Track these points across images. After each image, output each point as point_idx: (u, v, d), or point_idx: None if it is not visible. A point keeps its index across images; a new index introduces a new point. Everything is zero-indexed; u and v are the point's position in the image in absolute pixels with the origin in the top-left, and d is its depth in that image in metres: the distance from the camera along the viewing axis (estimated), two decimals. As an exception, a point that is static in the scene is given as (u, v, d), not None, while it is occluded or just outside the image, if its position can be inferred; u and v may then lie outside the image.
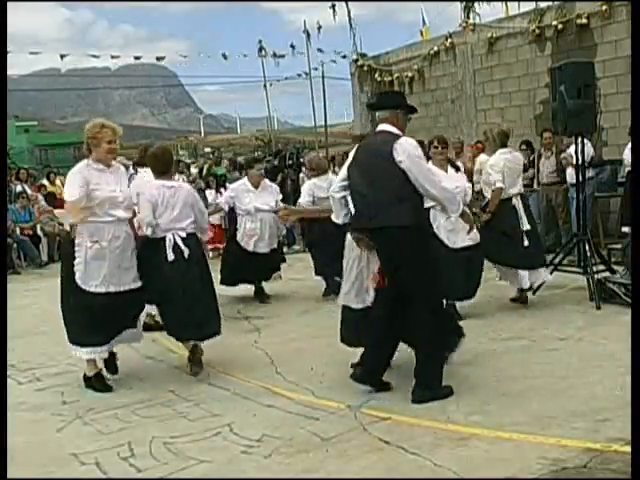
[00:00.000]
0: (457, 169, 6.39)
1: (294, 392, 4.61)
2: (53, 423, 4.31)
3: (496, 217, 6.60)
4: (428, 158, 5.79)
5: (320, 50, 23.83)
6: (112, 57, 20.95)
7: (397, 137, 4.30)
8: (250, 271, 7.71)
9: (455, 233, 6.08)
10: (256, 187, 7.80)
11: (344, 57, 19.75)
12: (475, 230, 5.69)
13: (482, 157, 9.18)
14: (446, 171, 6.17)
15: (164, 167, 5.28)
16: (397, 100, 4.58)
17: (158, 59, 22.73)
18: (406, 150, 4.20)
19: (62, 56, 19.94)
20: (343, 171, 4.67)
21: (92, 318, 4.81)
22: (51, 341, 6.42)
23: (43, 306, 7.69)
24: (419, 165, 4.24)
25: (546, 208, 10.08)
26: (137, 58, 21.69)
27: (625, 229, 7.69)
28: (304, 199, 7.71)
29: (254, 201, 7.73)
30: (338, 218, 4.70)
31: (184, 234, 5.08)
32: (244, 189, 7.81)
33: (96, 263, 4.80)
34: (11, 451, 3.55)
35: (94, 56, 23.46)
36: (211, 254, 12.01)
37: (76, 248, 4.83)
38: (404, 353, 5.41)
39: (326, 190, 6.45)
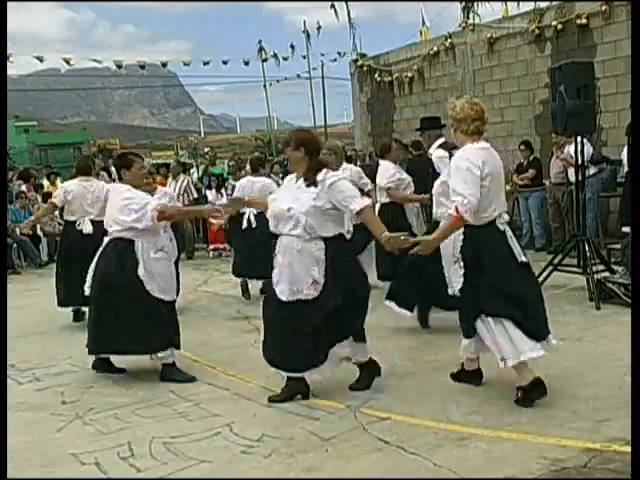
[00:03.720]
0: None
1: (294, 392, 4.60)
2: (53, 423, 4.31)
3: None
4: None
5: (322, 54, 24.04)
6: (118, 67, 20.89)
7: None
8: None
9: None
10: None
11: (343, 55, 19.83)
12: None
13: None
14: None
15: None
16: (440, 122, 6.41)
17: (163, 65, 22.83)
18: None
19: (68, 62, 19.96)
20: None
21: None
22: (51, 341, 6.43)
23: (43, 306, 7.68)
24: None
25: (553, 208, 10.09)
26: (142, 67, 21.73)
27: (625, 229, 7.69)
28: None
29: None
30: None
31: None
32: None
33: None
34: (11, 451, 3.55)
35: (96, 61, 23.54)
36: (211, 254, 12.04)
37: None
38: (405, 354, 5.40)
39: None
